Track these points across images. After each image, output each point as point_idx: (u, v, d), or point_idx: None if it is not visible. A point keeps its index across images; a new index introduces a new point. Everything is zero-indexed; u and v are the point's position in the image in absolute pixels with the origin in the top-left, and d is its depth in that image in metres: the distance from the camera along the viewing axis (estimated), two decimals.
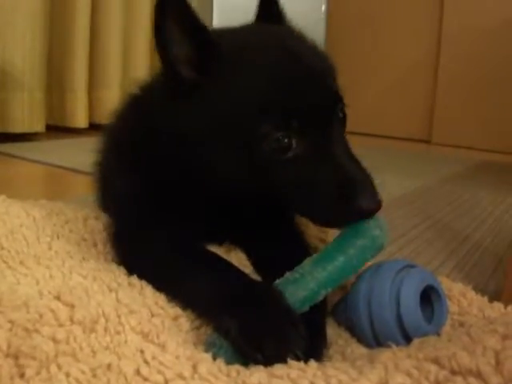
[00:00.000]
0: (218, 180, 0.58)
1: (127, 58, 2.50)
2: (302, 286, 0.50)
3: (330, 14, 2.97)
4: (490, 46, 2.77)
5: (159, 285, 0.54)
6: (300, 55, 0.55)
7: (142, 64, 2.56)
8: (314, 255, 0.54)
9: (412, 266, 0.54)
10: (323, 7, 2.91)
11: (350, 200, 0.51)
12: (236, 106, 0.52)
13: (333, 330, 0.54)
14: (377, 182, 0.54)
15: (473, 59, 2.83)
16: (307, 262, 0.53)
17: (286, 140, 0.52)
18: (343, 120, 0.59)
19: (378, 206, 0.52)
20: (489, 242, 1.02)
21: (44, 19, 2.06)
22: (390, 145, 2.88)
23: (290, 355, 0.43)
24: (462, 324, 0.53)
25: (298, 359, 0.43)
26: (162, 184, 0.61)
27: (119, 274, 0.55)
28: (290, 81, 0.52)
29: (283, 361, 0.42)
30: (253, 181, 0.55)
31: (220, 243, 0.68)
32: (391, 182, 1.60)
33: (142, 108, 0.65)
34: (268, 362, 0.43)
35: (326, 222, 0.57)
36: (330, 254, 0.52)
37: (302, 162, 0.53)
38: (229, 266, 0.56)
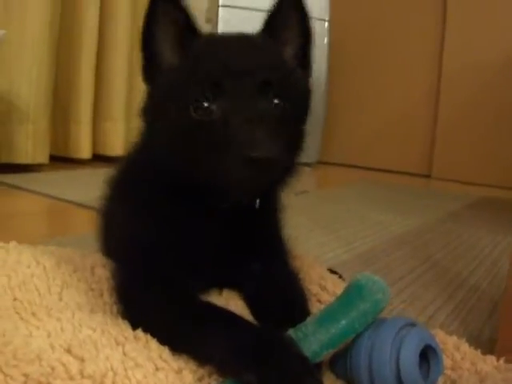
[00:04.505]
0: (169, 157, 0.63)
1: (132, 90, 2.54)
2: (305, 347, 0.52)
3: (332, 46, 3.02)
4: (491, 83, 2.82)
5: (172, 343, 0.56)
6: (239, 50, 0.64)
7: None
8: (317, 313, 0.56)
9: (413, 325, 0.56)
10: (325, 40, 2.96)
11: (234, 151, 0.55)
12: (178, 81, 0.63)
13: (332, 382, 0.56)
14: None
15: (473, 95, 2.88)
16: (310, 321, 0.55)
17: (205, 104, 0.59)
18: (278, 108, 0.61)
19: (262, 155, 0.53)
20: (485, 285, 1.04)
21: (50, 52, 2.11)
22: (391, 179, 2.91)
23: None
24: (453, 382, 0.55)
25: None
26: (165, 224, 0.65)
27: (125, 327, 0.57)
28: (219, 64, 0.61)
29: None
30: (186, 149, 0.61)
31: (221, 286, 0.71)
32: (392, 220, 1.64)
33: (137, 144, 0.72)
34: None
35: (220, 178, 0.58)
36: (333, 316, 0.54)
37: (211, 126, 0.59)
38: (239, 319, 0.57)
